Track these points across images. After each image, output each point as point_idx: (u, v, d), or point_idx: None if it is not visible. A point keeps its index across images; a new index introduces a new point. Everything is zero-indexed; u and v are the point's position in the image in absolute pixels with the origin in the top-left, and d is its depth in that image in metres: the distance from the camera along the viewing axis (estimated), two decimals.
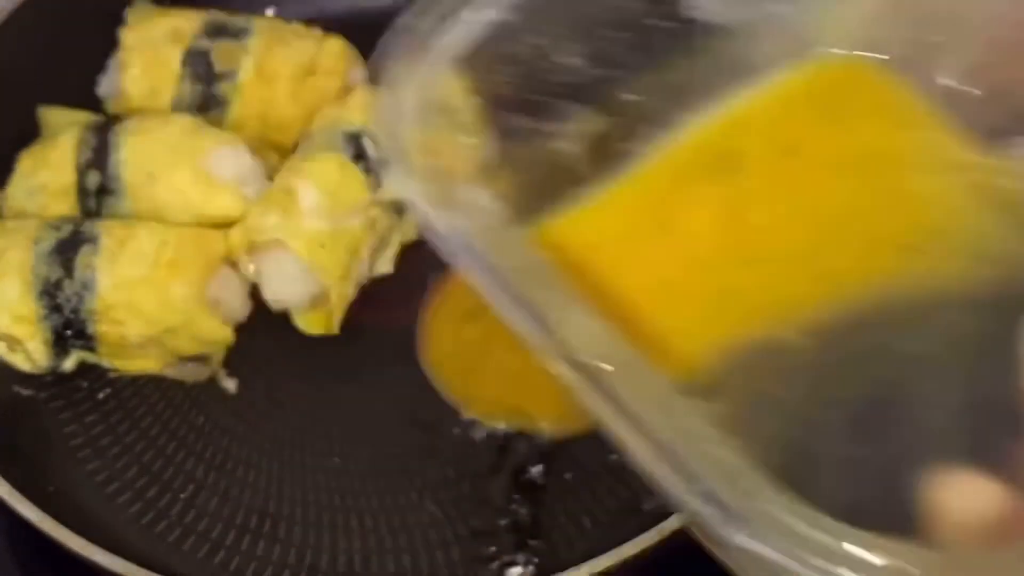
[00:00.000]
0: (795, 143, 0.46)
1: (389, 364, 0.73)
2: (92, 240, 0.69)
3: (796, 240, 0.44)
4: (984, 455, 0.35)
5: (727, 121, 0.47)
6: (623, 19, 0.47)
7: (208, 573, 0.65)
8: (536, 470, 0.68)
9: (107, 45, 0.78)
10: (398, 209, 0.76)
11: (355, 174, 0.73)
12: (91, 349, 0.70)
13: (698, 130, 0.47)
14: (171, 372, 0.72)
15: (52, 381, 0.71)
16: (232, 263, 0.72)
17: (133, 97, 0.77)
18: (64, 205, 0.73)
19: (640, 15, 0.47)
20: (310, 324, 0.74)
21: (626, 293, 0.43)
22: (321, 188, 0.72)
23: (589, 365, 0.37)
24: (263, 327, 0.74)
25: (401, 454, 0.70)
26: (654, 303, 0.43)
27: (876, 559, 0.32)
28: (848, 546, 0.32)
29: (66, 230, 0.70)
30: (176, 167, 0.72)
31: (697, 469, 0.34)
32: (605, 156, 0.47)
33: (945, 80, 0.46)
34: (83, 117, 0.76)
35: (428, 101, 0.44)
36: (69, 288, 0.68)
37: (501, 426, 0.70)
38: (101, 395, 0.71)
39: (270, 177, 0.75)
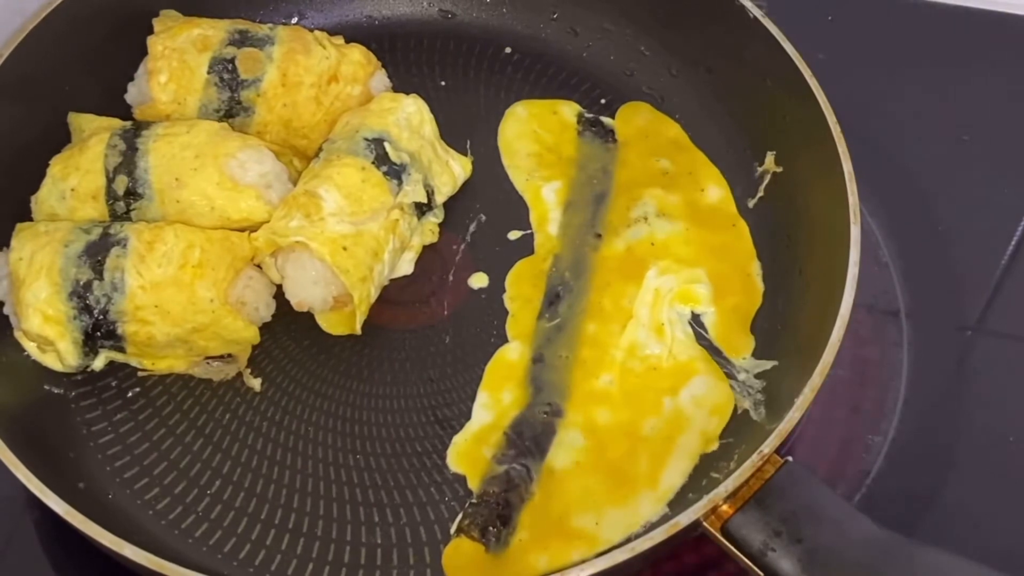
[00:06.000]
0: None
1: (410, 364, 0.75)
2: (121, 243, 0.70)
3: None
4: None
5: None
6: None
7: (234, 567, 0.67)
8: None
9: (135, 53, 0.80)
10: (418, 212, 0.77)
11: (376, 178, 0.74)
12: (120, 349, 0.71)
13: None
14: (198, 371, 0.73)
15: (82, 380, 0.73)
16: (257, 265, 0.74)
17: (161, 103, 0.78)
18: (93, 209, 0.74)
19: None
20: (333, 325, 0.76)
21: None
22: (343, 192, 0.73)
23: None
24: (287, 328, 0.75)
25: (421, 451, 0.71)
26: None
27: None
28: None
29: (96, 233, 0.71)
30: (202, 171, 0.73)
31: None
32: None
33: None
34: (112, 123, 0.77)
35: None
36: (99, 290, 0.69)
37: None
38: (130, 394, 0.73)
39: (293, 181, 0.76)
